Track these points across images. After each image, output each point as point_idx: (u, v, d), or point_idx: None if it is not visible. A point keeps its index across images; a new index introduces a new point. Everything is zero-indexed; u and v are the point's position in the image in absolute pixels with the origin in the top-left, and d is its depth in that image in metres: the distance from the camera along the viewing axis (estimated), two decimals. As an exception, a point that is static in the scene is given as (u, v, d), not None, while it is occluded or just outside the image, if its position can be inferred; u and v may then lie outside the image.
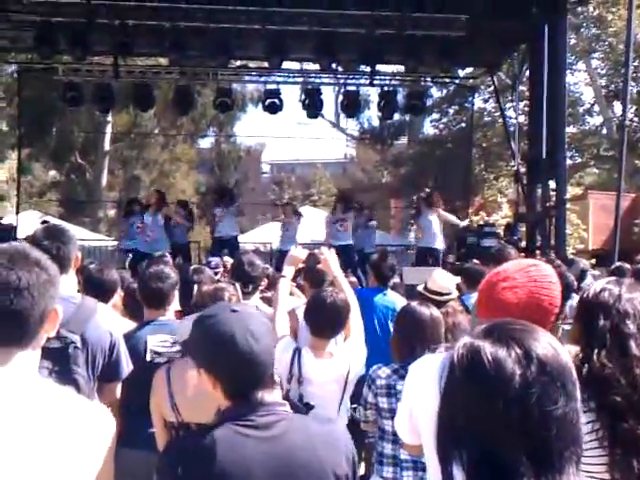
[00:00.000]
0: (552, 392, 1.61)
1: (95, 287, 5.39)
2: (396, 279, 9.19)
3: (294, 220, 16.49)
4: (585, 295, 2.91)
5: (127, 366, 4.31)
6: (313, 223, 18.79)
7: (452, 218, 16.26)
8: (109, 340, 4.14)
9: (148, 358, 4.89)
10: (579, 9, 25.35)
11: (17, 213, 20.57)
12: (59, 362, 3.77)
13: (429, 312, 4.75)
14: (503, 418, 1.60)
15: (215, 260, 9.65)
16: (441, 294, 6.11)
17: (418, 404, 2.80)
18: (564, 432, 1.61)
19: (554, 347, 1.68)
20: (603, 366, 2.57)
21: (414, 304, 4.99)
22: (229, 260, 10.33)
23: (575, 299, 8.84)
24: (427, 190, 16.19)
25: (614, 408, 2.51)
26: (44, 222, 17.47)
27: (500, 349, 1.65)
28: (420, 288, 6.35)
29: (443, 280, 6.28)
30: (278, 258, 15.24)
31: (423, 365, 3.00)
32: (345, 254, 12.43)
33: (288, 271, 4.85)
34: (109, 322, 4.31)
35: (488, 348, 1.65)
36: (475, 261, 10.52)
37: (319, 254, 4.90)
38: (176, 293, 5.30)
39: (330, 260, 4.89)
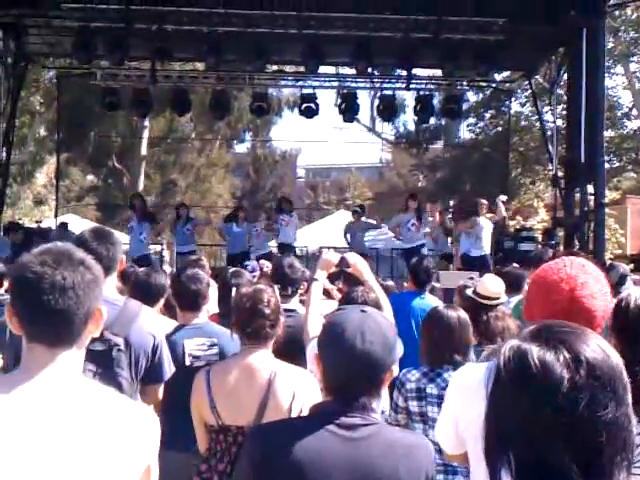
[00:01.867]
0: (602, 397, 1.56)
1: (142, 291, 5.46)
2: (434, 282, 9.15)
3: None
4: (625, 304, 2.84)
5: (169, 368, 4.33)
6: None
7: (499, 215, 16.03)
8: (152, 343, 4.16)
9: (187, 362, 4.92)
10: (617, 12, 25.12)
11: (56, 217, 20.77)
12: (103, 365, 3.80)
13: (456, 315, 4.75)
14: (552, 424, 1.55)
15: (252, 264, 9.67)
16: (491, 298, 6.07)
17: (463, 412, 2.76)
18: (615, 437, 1.56)
19: (604, 350, 1.62)
20: None
21: (441, 307, 4.99)
22: (265, 264, 10.36)
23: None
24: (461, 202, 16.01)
25: None
26: (62, 224, 17.87)
27: (548, 352, 1.59)
28: (469, 292, 6.31)
29: (493, 285, 6.25)
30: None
31: (466, 373, 2.96)
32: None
33: (320, 275, 4.85)
34: (152, 324, 4.33)
35: (535, 351, 1.60)
36: (515, 265, 10.46)
37: (349, 259, 4.88)
38: (209, 295, 5.34)
39: (359, 264, 4.88)
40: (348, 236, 17.21)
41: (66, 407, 2.10)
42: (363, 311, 2.72)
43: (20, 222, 19.44)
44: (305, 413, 3.88)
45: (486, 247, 15.21)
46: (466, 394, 2.77)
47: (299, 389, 3.95)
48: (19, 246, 15.68)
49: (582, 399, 1.55)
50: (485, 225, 15.06)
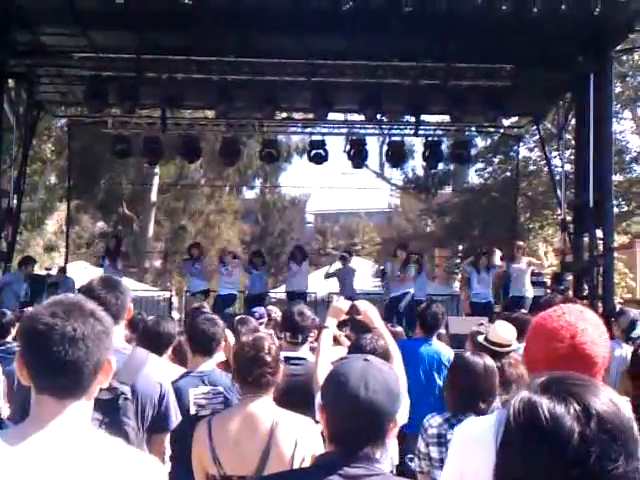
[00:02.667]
0: (612, 451, 1.54)
1: (151, 339, 5.46)
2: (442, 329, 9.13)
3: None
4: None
5: (176, 417, 4.30)
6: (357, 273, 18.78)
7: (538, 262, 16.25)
8: (159, 391, 4.14)
9: (192, 411, 4.90)
10: (624, 57, 25.26)
11: (65, 263, 20.81)
12: (109, 413, 3.79)
13: (482, 362, 4.70)
14: (562, 477, 1.54)
15: (260, 311, 9.65)
16: (502, 345, 6.05)
17: (468, 465, 2.73)
18: None
19: (615, 403, 1.61)
20: None
21: (468, 354, 4.94)
22: (273, 310, 10.33)
23: (625, 349, 8.72)
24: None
25: None
26: (61, 268, 17.98)
27: (558, 405, 1.58)
28: (480, 339, 6.28)
29: (504, 332, 6.22)
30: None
31: (470, 426, 2.95)
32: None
33: (331, 322, 4.84)
34: (159, 373, 4.32)
35: (546, 404, 1.59)
36: (523, 311, 10.41)
37: (359, 306, 4.88)
38: (223, 341, 5.34)
39: (370, 311, 4.87)
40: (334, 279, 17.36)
41: (75, 459, 2.10)
42: (366, 360, 2.72)
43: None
44: (307, 462, 3.86)
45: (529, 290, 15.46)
46: (470, 447, 2.75)
47: (301, 437, 3.93)
48: (33, 279, 15.88)
49: (592, 453, 1.53)
50: (523, 267, 15.37)
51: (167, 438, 4.36)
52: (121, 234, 19.68)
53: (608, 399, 1.61)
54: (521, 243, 15.93)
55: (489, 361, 4.75)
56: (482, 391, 4.57)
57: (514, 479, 1.62)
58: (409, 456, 5.09)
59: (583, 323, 2.68)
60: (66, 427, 2.15)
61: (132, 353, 4.14)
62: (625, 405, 1.65)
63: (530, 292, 15.57)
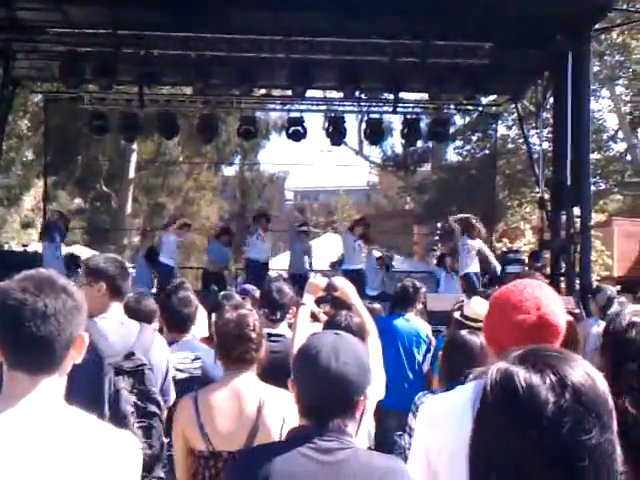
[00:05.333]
0: (586, 422, 1.56)
1: (132, 316, 5.47)
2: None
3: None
4: (612, 328, 2.84)
5: (173, 394, 4.48)
6: (335, 250, 18.78)
7: (492, 259, 15.94)
8: (166, 367, 4.27)
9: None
10: (603, 36, 25.29)
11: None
12: (138, 382, 4.00)
13: (479, 342, 4.70)
14: (535, 446, 1.55)
15: (247, 287, 9.62)
16: (478, 321, 6.05)
17: (433, 441, 2.76)
18: (598, 463, 1.56)
19: (591, 376, 1.63)
20: (626, 410, 2.49)
21: (464, 333, 4.93)
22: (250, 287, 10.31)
23: (602, 326, 8.78)
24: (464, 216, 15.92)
25: (638, 451, 2.43)
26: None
27: (534, 375, 1.60)
28: (457, 315, 6.29)
29: (480, 307, 6.23)
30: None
31: (434, 403, 2.97)
32: None
33: (308, 299, 4.84)
34: (165, 350, 4.52)
35: (522, 374, 1.60)
36: (497, 288, 10.43)
37: (336, 282, 4.87)
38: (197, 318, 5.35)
39: (346, 288, 4.87)
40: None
41: (48, 435, 2.09)
42: (337, 334, 2.73)
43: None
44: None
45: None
46: (435, 423, 2.78)
47: (289, 413, 3.93)
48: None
49: (566, 422, 1.54)
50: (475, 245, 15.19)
51: (165, 414, 4.44)
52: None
53: (584, 371, 1.62)
54: (479, 225, 15.95)
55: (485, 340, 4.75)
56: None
57: (489, 449, 1.64)
58: (398, 433, 5.11)
59: (545, 296, 2.73)
60: (38, 403, 2.14)
61: (142, 329, 4.33)
62: (601, 378, 1.65)
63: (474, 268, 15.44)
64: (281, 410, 3.95)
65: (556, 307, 2.72)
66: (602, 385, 1.63)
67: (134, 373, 3.96)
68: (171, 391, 4.37)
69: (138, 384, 3.96)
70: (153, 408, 4.01)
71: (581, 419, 1.56)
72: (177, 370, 4.95)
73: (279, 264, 20.12)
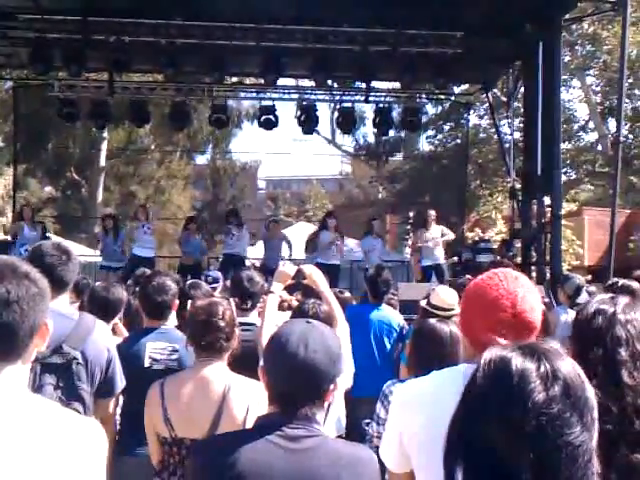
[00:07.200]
0: (570, 415, 1.61)
1: (100, 306, 5.45)
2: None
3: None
4: (580, 317, 2.86)
5: (121, 382, 4.38)
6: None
7: (447, 237, 16.30)
8: (106, 356, 4.22)
9: (146, 364, 4.89)
10: (573, 26, 25.44)
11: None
12: (64, 378, 3.89)
13: (448, 329, 4.69)
14: (517, 430, 1.59)
15: (213, 275, 9.57)
16: (444, 309, 6.07)
17: (406, 426, 2.76)
18: (574, 459, 1.59)
19: (581, 376, 1.69)
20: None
21: (433, 321, 4.91)
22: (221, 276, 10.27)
23: (570, 315, 8.84)
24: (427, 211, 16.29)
25: (606, 436, 2.45)
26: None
27: (529, 362, 1.66)
28: (423, 303, 6.30)
29: (447, 295, 6.24)
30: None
31: (407, 388, 2.97)
32: None
33: (276, 287, 4.83)
34: (106, 338, 4.40)
35: (518, 359, 1.66)
36: (468, 277, 10.50)
37: (304, 270, 4.87)
38: (176, 302, 5.31)
39: (315, 275, 4.86)
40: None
41: (11, 423, 2.07)
42: (308, 322, 2.72)
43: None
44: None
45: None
46: (408, 408, 2.79)
47: (253, 402, 3.93)
48: None
49: (551, 412, 1.59)
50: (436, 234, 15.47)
51: (112, 403, 4.41)
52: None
53: (577, 373, 1.69)
54: (433, 212, 16.07)
55: (454, 328, 4.73)
56: (447, 358, 4.58)
57: (469, 430, 1.67)
58: (366, 421, 5.11)
59: (521, 290, 2.70)
60: (1, 391, 2.11)
61: (80, 319, 4.18)
62: (589, 385, 1.70)
63: (442, 259, 15.79)
64: (246, 399, 3.95)
65: (532, 300, 2.70)
66: (590, 389, 1.69)
67: (61, 368, 3.90)
68: (117, 379, 4.32)
69: (64, 380, 3.89)
70: (76, 405, 3.93)
71: (565, 411, 1.60)
72: (153, 360, 4.93)
73: (254, 254, 20.05)
